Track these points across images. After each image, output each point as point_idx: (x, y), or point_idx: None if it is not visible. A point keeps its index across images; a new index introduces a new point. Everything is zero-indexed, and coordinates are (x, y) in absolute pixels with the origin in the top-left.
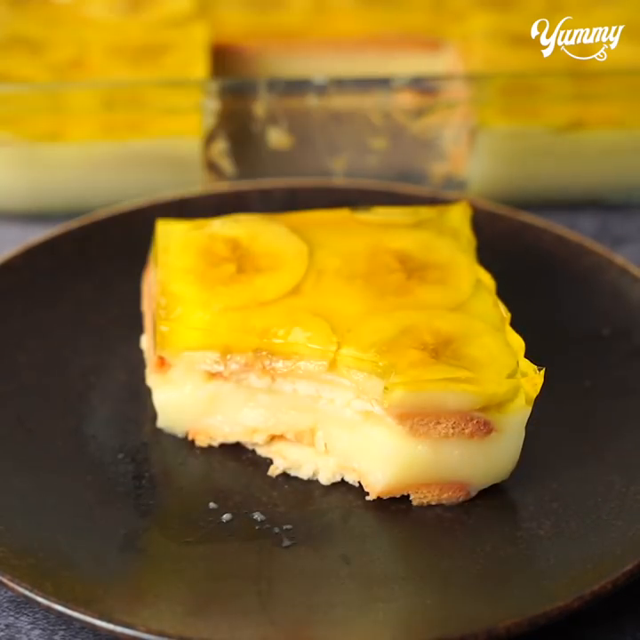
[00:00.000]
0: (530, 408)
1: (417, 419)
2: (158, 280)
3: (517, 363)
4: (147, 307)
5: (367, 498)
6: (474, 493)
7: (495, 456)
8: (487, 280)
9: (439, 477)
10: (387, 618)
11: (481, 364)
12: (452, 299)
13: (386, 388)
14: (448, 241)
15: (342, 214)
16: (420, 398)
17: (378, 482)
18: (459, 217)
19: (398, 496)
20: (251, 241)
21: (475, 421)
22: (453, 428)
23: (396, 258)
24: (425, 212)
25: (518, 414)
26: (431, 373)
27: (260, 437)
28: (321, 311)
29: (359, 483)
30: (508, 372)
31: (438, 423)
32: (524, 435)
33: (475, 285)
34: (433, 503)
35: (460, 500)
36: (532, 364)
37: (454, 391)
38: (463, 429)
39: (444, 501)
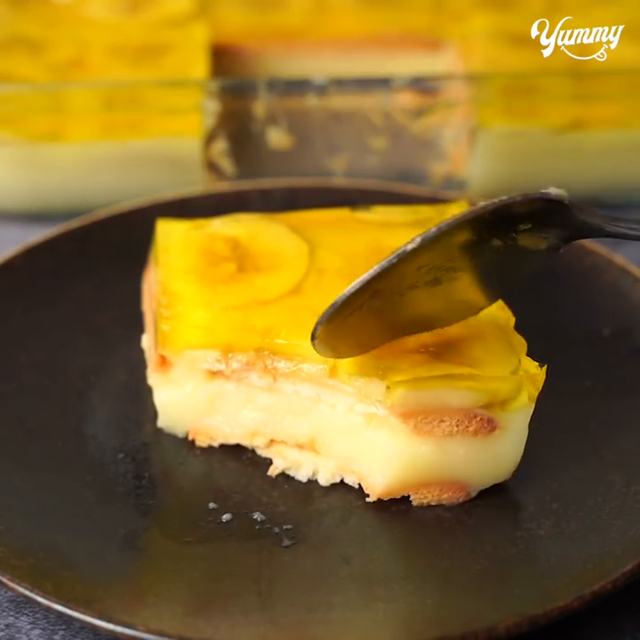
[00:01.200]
0: (533, 405)
1: (420, 417)
2: (159, 279)
3: (519, 361)
4: (147, 306)
5: (367, 499)
6: (474, 494)
7: (499, 454)
8: None
9: (442, 477)
10: (387, 618)
11: (483, 363)
12: None
13: (388, 387)
14: None
15: (342, 213)
16: (423, 396)
17: (378, 484)
18: None
19: (398, 497)
20: (251, 240)
21: (478, 419)
22: (457, 425)
23: None
24: (425, 210)
25: (521, 412)
26: (433, 371)
27: (261, 441)
28: (322, 310)
29: (359, 484)
30: (510, 370)
31: (442, 421)
32: (527, 433)
33: None
34: (433, 503)
35: (460, 500)
36: (534, 362)
37: (457, 388)
38: (467, 427)
39: (444, 502)
